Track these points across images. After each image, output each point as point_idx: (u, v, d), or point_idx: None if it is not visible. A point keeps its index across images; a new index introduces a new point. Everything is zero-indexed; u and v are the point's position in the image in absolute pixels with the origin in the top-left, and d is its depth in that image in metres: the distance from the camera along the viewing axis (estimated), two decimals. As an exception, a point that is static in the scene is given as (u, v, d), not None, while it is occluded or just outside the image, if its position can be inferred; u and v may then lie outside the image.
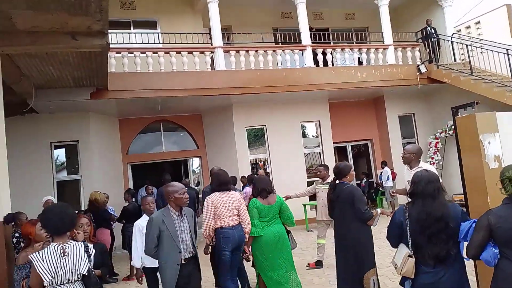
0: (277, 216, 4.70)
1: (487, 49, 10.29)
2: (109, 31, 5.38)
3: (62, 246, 2.77)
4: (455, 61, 11.67)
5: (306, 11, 10.89)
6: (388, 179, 11.43)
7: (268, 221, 4.61)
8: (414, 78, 11.31)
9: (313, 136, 12.28)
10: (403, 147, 12.23)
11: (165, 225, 3.59)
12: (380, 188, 12.29)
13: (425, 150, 12.51)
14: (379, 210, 4.32)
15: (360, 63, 11.70)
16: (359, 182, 12.79)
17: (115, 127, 11.06)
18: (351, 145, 13.18)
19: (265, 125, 11.36)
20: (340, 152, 13.46)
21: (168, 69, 9.53)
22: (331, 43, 12.00)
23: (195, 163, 12.65)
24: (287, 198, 5.93)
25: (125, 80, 9.05)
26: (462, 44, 11.49)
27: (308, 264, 6.72)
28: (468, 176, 4.12)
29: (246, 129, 11.24)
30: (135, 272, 5.22)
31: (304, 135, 11.97)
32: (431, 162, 12.03)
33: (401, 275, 2.95)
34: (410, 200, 2.97)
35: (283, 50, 10.69)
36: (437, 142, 12.27)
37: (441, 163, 12.14)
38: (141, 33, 10.16)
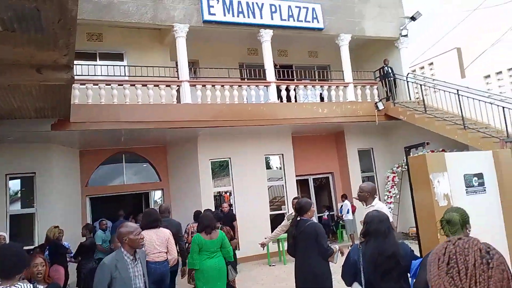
0: (219, 250, 5.22)
1: (439, 89, 10.99)
2: (75, 62, 5.40)
3: None
4: (410, 99, 12.33)
5: (271, 49, 11.33)
6: (348, 212, 11.69)
7: (209, 254, 5.12)
8: (373, 114, 11.84)
9: (276, 168, 12.49)
10: (362, 181, 12.74)
11: (118, 270, 3.28)
12: (341, 221, 12.54)
13: (383, 184, 12.97)
14: (337, 247, 4.47)
15: (322, 99, 12.16)
16: (321, 215, 13.00)
17: (75, 158, 10.80)
18: (313, 178, 13.46)
19: (230, 158, 11.46)
20: (302, 184, 13.69)
21: (134, 101, 9.54)
22: (295, 79, 12.46)
23: (156, 196, 12.47)
24: (263, 245, 6.05)
25: (89, 111, 8.96)
26: (417, 83, 12.21)
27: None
28: (420, 213, 4.37)
29: (211, 161, 11.29)
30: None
31: (268, 167, 12.15)
32: (389, 196, 12.46)
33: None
34: (363, 239, 3.13)
35: (248, 86, 10.98)
36: (394, 176, 12.74)
37: (398, 196, 12.59)
38: (107, 65, 10.15)
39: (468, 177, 4.46)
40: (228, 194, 11.64)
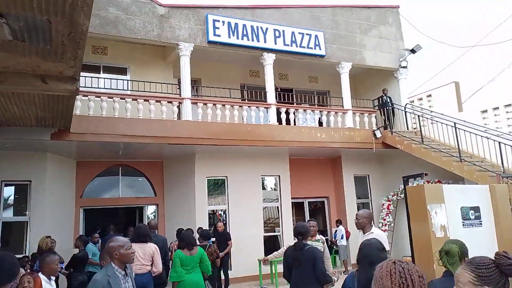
0: (197, 265, 5.52)
1: (436, 121, 11.13)
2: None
3: None
4: (407, 129, 12.46)
5: (272, 72, 11.50)
6: (342, 237, 11.65)
7: (189, 269, 5.40)
8: (370, 142, 11.94)
9: (271, 188, 12.48)
10: (357, 207, 12.74)
11: (111, 287, 3.19)
12: (334, 247, 12.47)
13: (378, 211, 12.97)
14: (335, 278, 4.46)
15: (320, 124, 12.27)
16: (314, 239, 12.90)
17: (72, 169, 10.75)
18: (309, 201, 13.45)
19: (226, 177, 11.46)
20: (297, 207, 13.66)
21: (134, 115, 9.59)
22: (294, 103, 12.59)
23: (150, 210, 12.36)
24: (265, 260, 6.60)
25: (89, 123, 8.99)
26: (415, 114, 12.36)
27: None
28: (416, 242, 4.38)
29: (207, 179, 11.28)
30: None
31: (263, 188, 12.14)
32: (383, 223, 12.45)
33: None
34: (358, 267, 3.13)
35: (249, 106, 11.08)
36: (389, 204, 12.75)
37: (392, 224, 12.57)
38: (111, 78, 10.25)
39: (465, 210, 4.50)
40: (219, 213, 11.58)
